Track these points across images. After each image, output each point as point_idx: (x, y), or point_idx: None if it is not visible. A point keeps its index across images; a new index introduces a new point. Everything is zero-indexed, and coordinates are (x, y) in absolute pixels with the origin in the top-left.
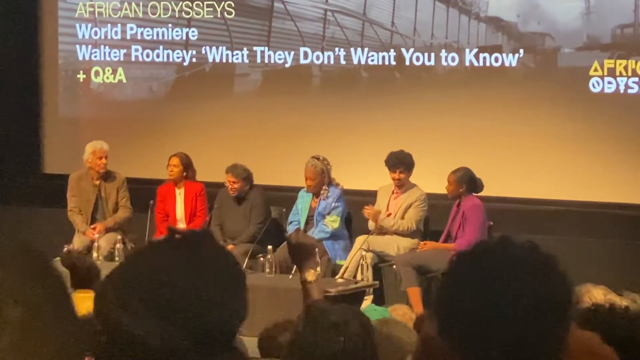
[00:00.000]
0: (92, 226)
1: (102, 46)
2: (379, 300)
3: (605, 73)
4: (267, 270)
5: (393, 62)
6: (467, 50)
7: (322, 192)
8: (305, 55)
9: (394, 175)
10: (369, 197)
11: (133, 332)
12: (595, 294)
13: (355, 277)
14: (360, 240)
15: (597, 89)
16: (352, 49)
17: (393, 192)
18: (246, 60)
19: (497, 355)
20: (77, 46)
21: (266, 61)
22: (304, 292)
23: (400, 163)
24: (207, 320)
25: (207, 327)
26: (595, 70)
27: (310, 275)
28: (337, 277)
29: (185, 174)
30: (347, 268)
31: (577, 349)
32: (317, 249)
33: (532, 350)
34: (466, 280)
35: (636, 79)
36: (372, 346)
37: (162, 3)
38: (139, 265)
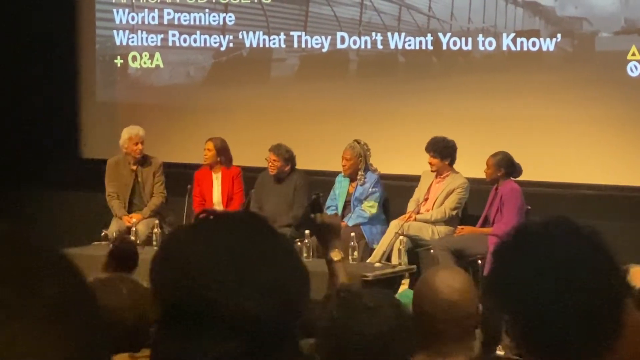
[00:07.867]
0: (129, 215)
1: (139, 31)
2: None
3: None
4: (305, 254)
5: (430, 47)
6: (505, 35)
7: (358, 177)
8: (342, 40)
9: (428, 160)
10: (406, 181)
11: (244, 310)
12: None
13: (390, 261)
14: (394, 224)
15: (635, 73)
16: (389, 34)
17: (436, 177)
18: (283, 45)
19: (553, 338)
20: (115, 31)
21: (303, 46)
22: (329, 272)
23: (432, 148)
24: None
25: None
26: (633, 54)
27: (335, 255)
28: (374, 261)
29: (218, 158)
30: (383, 252)
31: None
32: (341, 227)
33: (590, 329)
34: (515, 264)
35: None
36: (406, 329)
37: None
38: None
